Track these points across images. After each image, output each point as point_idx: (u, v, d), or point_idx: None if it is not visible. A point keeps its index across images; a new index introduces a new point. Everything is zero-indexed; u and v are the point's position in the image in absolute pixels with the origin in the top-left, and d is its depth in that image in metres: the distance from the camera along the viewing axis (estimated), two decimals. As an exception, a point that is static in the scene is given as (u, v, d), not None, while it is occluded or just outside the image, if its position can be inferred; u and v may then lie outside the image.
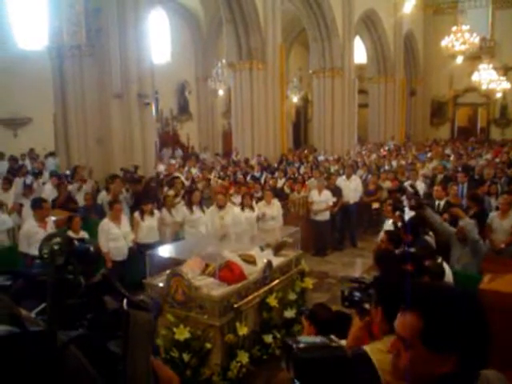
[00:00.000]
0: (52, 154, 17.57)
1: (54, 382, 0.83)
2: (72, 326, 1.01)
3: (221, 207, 8.47)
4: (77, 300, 1.06)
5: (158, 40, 23.00)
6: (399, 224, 6.83)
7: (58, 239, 1.06)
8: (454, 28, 23.81)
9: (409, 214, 6.97)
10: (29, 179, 12.64)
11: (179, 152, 21.92)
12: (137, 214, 8.43)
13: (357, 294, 2.68)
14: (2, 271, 1.13)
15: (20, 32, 19.37)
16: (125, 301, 1.11)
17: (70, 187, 10.76)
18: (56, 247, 1.05)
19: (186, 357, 5.37)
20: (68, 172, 12.34)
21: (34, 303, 1.04)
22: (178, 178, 11.36)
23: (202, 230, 8.61)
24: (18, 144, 18.44)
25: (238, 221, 8.49)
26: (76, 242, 1.12)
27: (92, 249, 1.18)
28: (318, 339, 1.73)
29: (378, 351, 2.05)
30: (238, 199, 9.94)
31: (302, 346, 1.64)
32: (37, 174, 13.14)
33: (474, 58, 27.50)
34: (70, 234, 7.22)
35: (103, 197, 10.23)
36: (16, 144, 18.45)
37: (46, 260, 1.02)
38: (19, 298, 1.00)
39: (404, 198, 8.59)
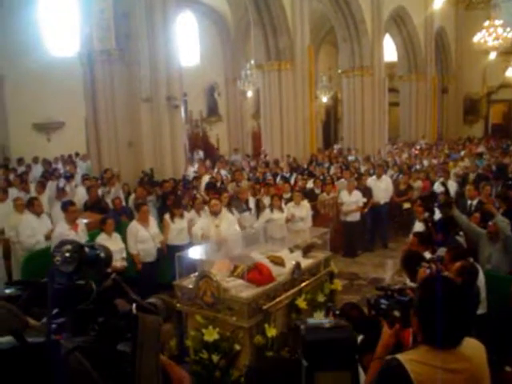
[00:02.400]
0: (83, 157, 17.91)
1: None
2: (84, 330, 1.03)
3: (215, 214, 7.77)
4: (88, 305, 1.07)
5: (187, 43, 23.18)
6: (430, 224, 6.72)
7: (68, 246, 1.08)
8: (487, 23, 23.33)
9: (439, 214, 6.87)
10: (61, 182, 12.86)
11: (200, 154, 21.85)
12: (167, 217, 8.49)
13: (383, 301, 2.61)
14: (13, 282, 1.16)
15: (51, 39, 19.82)
16: (134, 305, 1.13)
17: (99, 190, 10.91)
18: (67, 254, 1.06)
19: (215, 358, 5.39)
20: (98, 176, 12.50)
21: (43, 311, 1.05)
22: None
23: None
24: (52, 148, 18.83)
25: (234, 228, 7.85)
26: (86, 249, 1.14)
27: (102, 254, 1.19)
28: (325, 321, 1.78)
29: (414, 363, 1.97)
30: (267, 200, 9.93)
31: (309, 327, 1.68)
32: (69, 177, 13.36)
33: (508, 53, 26.92)
34: (103, 235, 7.34)
35: (133, 199, 10.37)
36: (49, 148, 18.85)
37: (58, 267, 1.03)
38: (28, 307, 1.02)
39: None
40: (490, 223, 6.24)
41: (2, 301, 0.94)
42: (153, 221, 8.29)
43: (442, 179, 11.30)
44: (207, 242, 7.25)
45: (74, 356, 0.93)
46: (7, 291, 1.09)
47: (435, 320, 1.99)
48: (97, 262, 1.17)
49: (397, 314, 2.46)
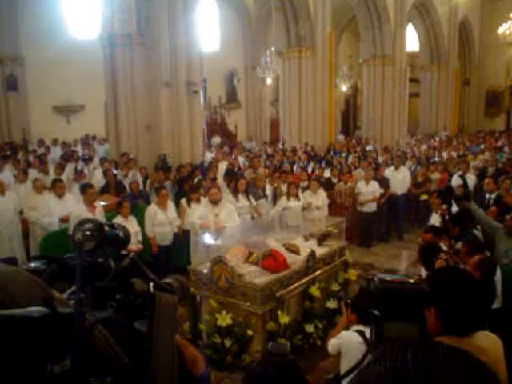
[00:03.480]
0: (100, 140, 18.08)
1: (84, 359, 0.88)
2: (102, 307, 1.06)
3: (215, 203, 7.61)
4: (107, 283, 1.11)
5: (207, 28, 23.11)
6: (447, 217, 6.67)
7: (89, 225, 1.11)
8: (512, 14, 22.93)
9: (456, 208, 6.81)
10: (80, 165, 12.98)
11: (217, 140, 21.76)
12: (184, 201, 8.53)
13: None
14: (38, 256, 1.19)
15: (72, 22, 19.89)
16: (151, 284, 1.16)
17: (116, 173, 10.99)
18: (88, 233, 1.09)
19: (227, 343, 5.45)
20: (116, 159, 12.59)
21: (65, 285, 1.09)
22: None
23: (247, 217, 8.62)
24: (71, 130, 19.01)
25: (234, 218, 7.66)
26: (106, 228, 1.16)
27: (121, 234, 1.22)
28: (396, 276, 1.93)
29: None
30: (284, 188, 9.93)
31: (382, 279, 1.77)
32: (87, 160, 13.48)
33: (533, 45, 26.42)
34: (119, 218, 7.41)
35: (149, 184, 10.45)
36: (69, 130, 19.04)
37: (78, 244, 1.06)
38: (52, 281, 1.06)
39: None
40: (508, 217, 6.18)
41: (29, 273, 0.98)
42: (171, 205, 8.34)
43: (460, 172, 11.19)
44: (206, 231, 7.21)
45: (98, 329, 0.97)
46: (33, 265, 1.13)
47: (454, 307, 2.03)
48: (116, 240, 1.20)
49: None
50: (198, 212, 7.68)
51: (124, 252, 1.22)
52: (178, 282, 1.32)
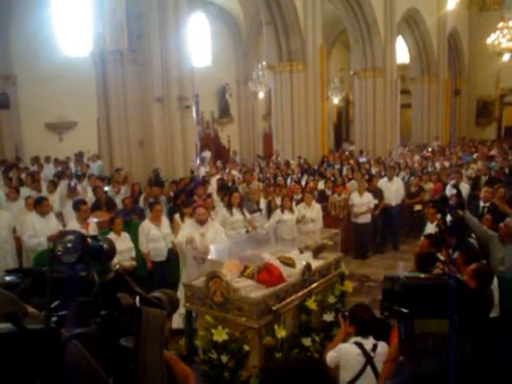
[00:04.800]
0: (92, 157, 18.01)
1: (54, 378, 0.82)
2: (85, 323, 1.01)
3: (202, 223, 7.23)
4: (90, 297, 1.05)
5: (199, 43, 23.22)
6: (443, 227, 6.66)
7: (70, 236, 1.06)
8: (501, 24, 23.15)
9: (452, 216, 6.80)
10: (73, 182, 12.92)
11: (207, 155, 21.68)
12: (177, 216, 8.48)
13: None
14: (13, 269, 1.14)
15: (64, 39, 19.95)
16: (137, 298, 1.11)
17: (108, 190, 10.93)
18: (69, 245, 1.04)
19: (224, 358, 5.37)
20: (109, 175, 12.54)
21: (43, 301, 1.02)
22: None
23: (242, 231, 8.58)
24: (64, 147, 18.93)
25: (220, 238, 7.29)
26: (89, 240, 1.12)
27: (106, 246, 1.17)
28: (421, 274, 1.93)
29: None
30: (278, 201, 9.91)
31: (408, 276, 1.76)
32: (80, 177, 13.43)
33: (522, 55, 26.62)
34: (112, 235, 7.34)
35: (143, 199, 10.40)
36: (62, 147, 18.96)
37: (59, 257, 1.02)
38: (27, 296, 0.99)
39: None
40: (502, 225, 6.17)
41: (1, 288, 0.92)
42: (165, 220, 8.29)
43: (454, 181, 11.21)
44: (193, 249, 6.96)
45: (73, 344, 0.90)
46: (7, 278, 1.07)
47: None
48: (100, 253, 1.15)
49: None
50: (185, 232, 7.34)
51: (116, 267, 1.18)
52: (166, 295, 1.27)
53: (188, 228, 7.40)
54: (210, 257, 6.53)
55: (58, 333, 0.85)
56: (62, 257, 1.03)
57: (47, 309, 0.86)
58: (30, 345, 0.79)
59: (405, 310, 1.63)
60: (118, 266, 1.16)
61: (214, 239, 7.16)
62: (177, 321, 6.54)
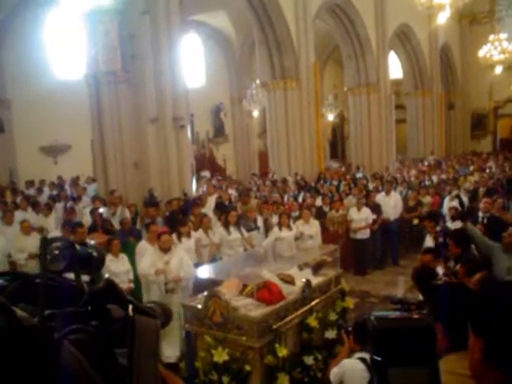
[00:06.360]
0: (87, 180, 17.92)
1: (48, 377, 0.75)
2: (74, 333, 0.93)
3: (165, 251, 6.94)
4: (79, 308, 0.97)
5: (192, 64, 23.32)
6: (440, 239, 6.61)
7: (58, 243, 0.99)
8: (492, 37, 23.36)
9: (454, 226, 6.74)
10: (69, 204, 12.84)
11: (206, 174, 21.58)
12: (174, 236, 8.38)
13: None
14: (1, 272, 1.05)
15: (57, 63, 20.04)
16: (130, 307, 1.02)
17: (103, 212, 10.84)
18: (56, 252, 0.97)
19: (225, 379, 5.25)
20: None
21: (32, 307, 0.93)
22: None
23: (240, 250, 8.50)
24: (59, 171, 18.86)
25: (186, 264, 6.99)
26: (78, 247, 1.04)
27: (95, 254, 1.10)
28: (396, 312, 1.56)
29: (443, 373, 1.83)
30: (275, 219, 9.83)
31: (379, 316, 1.47)
32: (75, 199, 13.35)
33: (514, 67, 26.83)
34: (110, 256, 7.23)
35: (139, 220, 10.32)
36: (56, 171, 18.88)
37: (46, 265, 0.93)
38: (14, 301, 0.90)
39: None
40: (505, 234, 6.10)
41: None
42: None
43: (455, 192, 11.16)
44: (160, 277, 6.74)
45: (67, 348, 0.82)
46: None
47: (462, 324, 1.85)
48: (89, 261, 1.08)
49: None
50: (147, 260, 7.01)
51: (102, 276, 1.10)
52: (159, 306, 1.20)
53: (150, 255, 7.04)
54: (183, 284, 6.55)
55: (52, 331, 0.79)
56: (49, 264, 0.95)
57: (40, 314, 0.79)
58: (23, 340, 0.73)
59: (377, 358, 1.39)
60: (107, 276, 1.08)
61: (180, 267, 6.89)
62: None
